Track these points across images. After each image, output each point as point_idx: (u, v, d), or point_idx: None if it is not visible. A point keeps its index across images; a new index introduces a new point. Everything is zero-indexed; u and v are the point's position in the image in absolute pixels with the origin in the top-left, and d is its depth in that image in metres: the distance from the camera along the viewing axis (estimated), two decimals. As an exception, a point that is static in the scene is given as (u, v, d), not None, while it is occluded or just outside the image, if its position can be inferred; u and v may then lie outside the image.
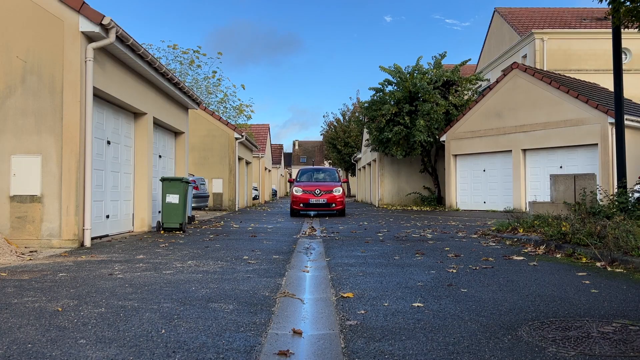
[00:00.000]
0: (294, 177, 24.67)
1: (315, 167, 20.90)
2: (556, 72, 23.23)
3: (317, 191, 17.19)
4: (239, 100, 60.91)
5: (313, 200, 17.09)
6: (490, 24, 31.22)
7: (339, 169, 50.12)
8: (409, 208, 23.67)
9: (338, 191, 17.42)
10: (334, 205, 17.20)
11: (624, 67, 10.93)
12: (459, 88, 23.92)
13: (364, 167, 36.58)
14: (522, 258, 6.50)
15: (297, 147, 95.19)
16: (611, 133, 16.14)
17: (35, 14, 7.83)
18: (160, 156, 12.58)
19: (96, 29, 7.78)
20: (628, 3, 9.55)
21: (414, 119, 22.77)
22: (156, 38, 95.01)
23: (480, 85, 26.54)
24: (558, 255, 6.68)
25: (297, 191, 17.46)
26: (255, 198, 34.06)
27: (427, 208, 23.16)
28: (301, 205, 17.19)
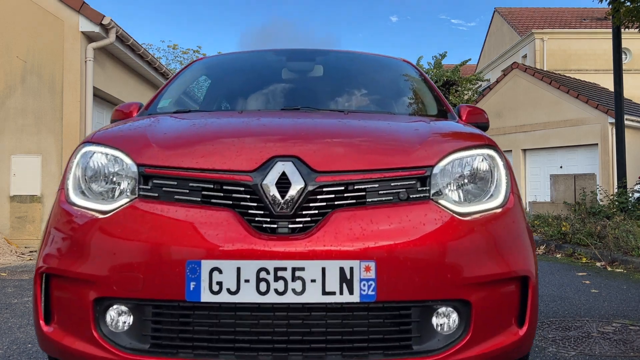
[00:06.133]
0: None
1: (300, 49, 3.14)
2: (556, 72, 23.25)
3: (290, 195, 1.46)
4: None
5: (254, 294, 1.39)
6: (490, 24, 31.24)
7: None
8: (409, 208, 23.64)
9: (494, 197, 1.61)
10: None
11: (624, 67, 10.90)
12: (459, 88, 23.93)
13: (364, 167, 36.55)
14: (522, 258, 6.50)
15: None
16: (611, 133, 16.13)
17: (35, 14, 7.83)
18: (160, 156, 12.54)
19: (96, 29, 7.78)
20: (628, 3, 9.56)
21: (414, 119, 22.74)
22: (187, 37, 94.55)
23: (481, 85, 26.57)
24: (558, 255, 6.68)
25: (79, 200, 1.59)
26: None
27: (427, 208, 23.13)
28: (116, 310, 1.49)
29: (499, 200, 1.58)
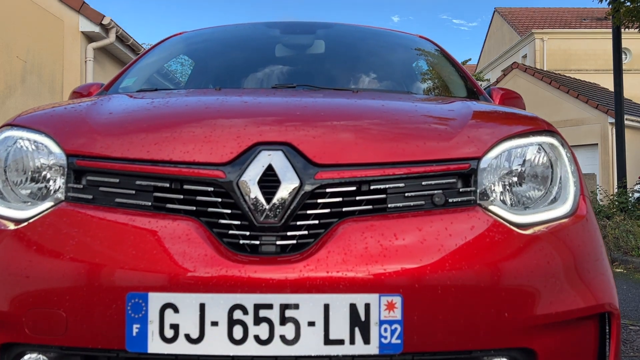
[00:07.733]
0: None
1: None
2: (556, 72, 23.25)
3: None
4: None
5: None
6: (491, 24, 31.25)
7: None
8: (409, 208, 23.65)
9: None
10: None
11: (624, 67, 10.94)
12: (459, 88, 23.94)
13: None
14: (522, 258, 6.50)
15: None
16: (611, 133, 16.13)
17: (35, 14, 7.83)
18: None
19: (96, 29, 7.79)
20: (628, 3, 9.57)
21: (414, 119, 22.75)
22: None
23: (481, 85, 26.61)
24: (558, 255, 6.69)
25: None
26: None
27: (427, 208, 23.14)
28: None
29: (566, 206, 1.18)
